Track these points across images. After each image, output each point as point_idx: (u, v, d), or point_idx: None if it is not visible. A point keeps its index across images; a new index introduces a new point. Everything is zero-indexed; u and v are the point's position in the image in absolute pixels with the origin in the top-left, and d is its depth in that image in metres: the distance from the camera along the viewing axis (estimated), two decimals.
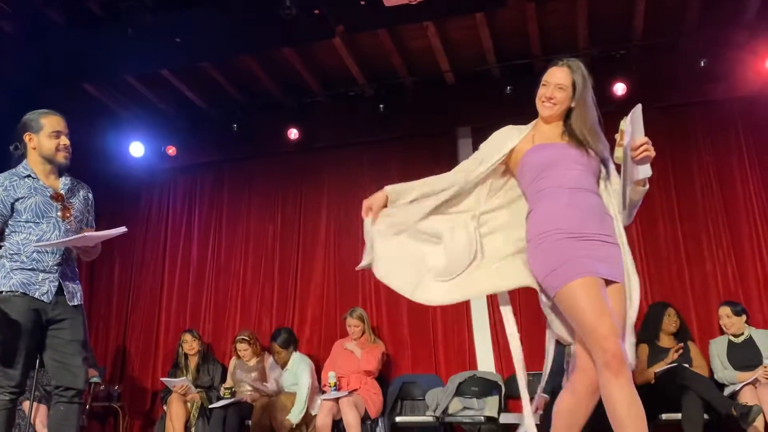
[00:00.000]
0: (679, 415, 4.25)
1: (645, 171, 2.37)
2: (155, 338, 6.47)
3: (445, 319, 5.77)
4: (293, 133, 6.22)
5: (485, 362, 5.53)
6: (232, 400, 5.18)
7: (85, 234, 2.97)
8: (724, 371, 4.60)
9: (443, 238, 2.59)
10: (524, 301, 4.67)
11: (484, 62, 5.72)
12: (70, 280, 3.05)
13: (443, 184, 2.61)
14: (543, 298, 2.47)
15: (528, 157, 2.50)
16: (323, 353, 5.70)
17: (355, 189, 6.27)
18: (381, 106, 5.98)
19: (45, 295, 2.93)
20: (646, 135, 2.34)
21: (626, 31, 5.29)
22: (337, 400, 4.94)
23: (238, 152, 6.60)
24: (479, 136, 6.01)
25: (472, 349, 5.63)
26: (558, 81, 2.51)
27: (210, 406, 5.25)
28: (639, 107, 2.34)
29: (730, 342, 4.71)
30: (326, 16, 4.79)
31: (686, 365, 4.56)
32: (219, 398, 5.33)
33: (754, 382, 4.35)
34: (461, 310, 5.72)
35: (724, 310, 4.76)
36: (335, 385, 5.05)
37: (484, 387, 5.16)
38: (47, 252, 2.97)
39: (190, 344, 5.66)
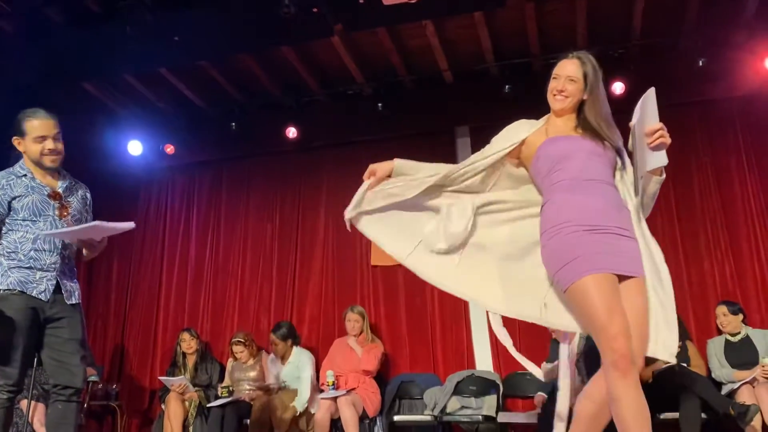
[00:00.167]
0: (677, 415, 4.26)
1: (660, 159, 2.29)
2: (153, 337, 6.47)
3: (443, 318, 5.77)
4: (292, 132, 6.22)
5: (483, 361, 5.53)
6: (230, 398, 5.18)
7: (96, 223, 2.93)
8: (721, 369, 4.61)
9: (440, 211, 2.58)
10: None
11: (482, 61, 5.72)
12: (68, 279, 3.05)
13: (453, 168, 2.58)
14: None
15: (542, 149, 2.46)
16: (321, 352, 5.70)
17: (354, 188, 6.15)
18: (380, 104, 5.98)
19: (42, 294, 2.93)
20: None
21: (625, 30, 5.29)
22: (335, 399, 4.94)
23: (236, 151, 6.59)
24: (478, 135, 6.06)
25: (470, 349, 5.63)
26: (569, 73, 2.48)
27: (208, 405, 5.25)
28: (652, 91, 2.29)
29: (727, 341, 4.72)
30: (325, 14, 4.79)
31: (684, 365, 4.57)
32: (217, 397, 5.34)
33: (751, 382, 4.36)
34: (459, 310, 5.73)
35: (721, 309, 4.78)
36: (333, 384, 5.06)
37: (483, 386, 5.16)
38: (44, 250, 2.97)
39: (188, 343, 5.66)
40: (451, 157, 5.43)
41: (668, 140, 2.27)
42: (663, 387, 4.34)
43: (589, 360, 4.43)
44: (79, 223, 3.12)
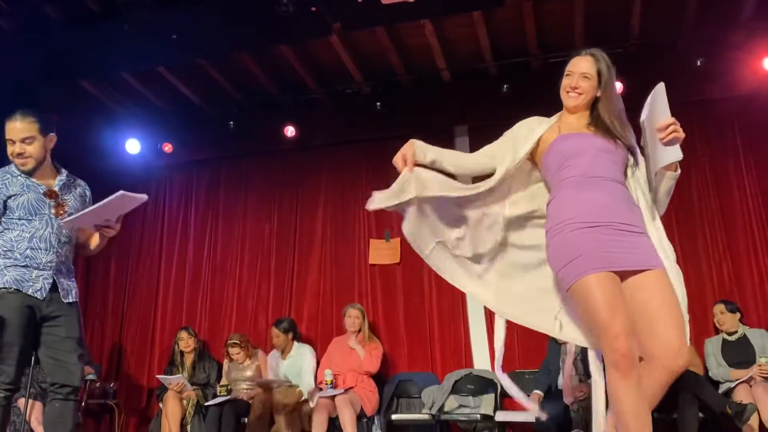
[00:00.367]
0: (674, 414, 4.27)
1: (674, 154, 2.26)
2: (151, 335, 6.46)
3: (441, 317, 5.78)
4: (290, 131, 6.22)
5: (481, 360, 5.54)
6: (228, 397, 5.18)
7: (121, 193, 2.86)
8: (718, 368, 4.62)
9: (469, 222, 2.53)
10: None
11: (481, 61, 5.72)
12: (65, 277, 3.05)
13: (473, 166, 2.55)
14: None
15: (553, 146, 2.44)
16: (319, 351, 5.70)
17: (352, 187, 6.27)
18: (378, 104, 5.98)
19: (39, 292, 2.93)
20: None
21: (623, 30, 5.30)
22: (333, 397, 4.94)
23: (234, 150, 6.59)
24: (476, 134, 6.08)
25: (469, 347, 5.63)
26: (583, 70, 2.45)
27: (206, 404, 5.25)
28: (661, 86, 2.26)
29: (724, 340, 4.73)
30: (323, 13, 4.79)
31: None
32: (215, 396, 5.34)
33: (748, 381, 4.37)
34: (457, 309, 5.73)
35: (719, 308, 4.80)
36: (331, 383, 5.06)
37: (480, 385, 5.16)
38: (40, 249, 2.97)
39: (186, 342, 5.66)
40: None
41: (681, 134, 2.24)
42: None
43: (586, 360, 4.44)
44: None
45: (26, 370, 4.17)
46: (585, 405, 4.31)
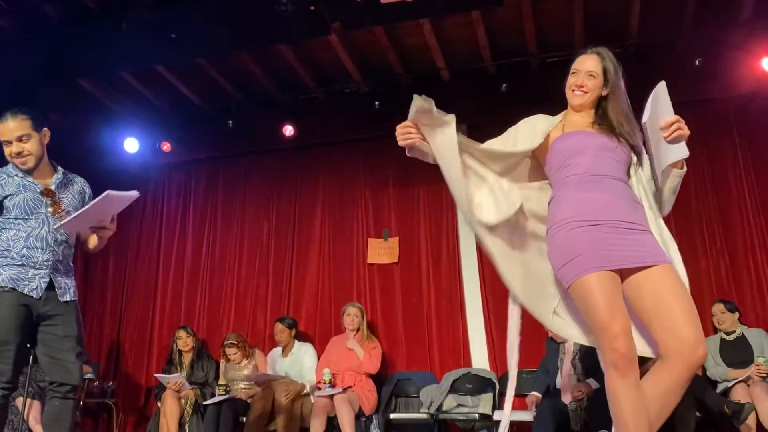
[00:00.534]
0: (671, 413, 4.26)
1: (680, 152, 2.25)
2: (149, 334, 6.46)
3: (439, 316, 5.78)
4: (288, 130, 6.22)
5: (480, 359, 5.54)
6: (226, 396, 5.18)
7: (108, 193, 2.85)
8: (716, 368, 4.63)
9: (487, 180, 2.50)
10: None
11: (480, 60, 5.71)
12: (63, 276, 3.05)
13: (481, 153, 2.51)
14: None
15: (556, 144, 2.44)
16: (318, 350, 5.70)
17: (350, 186, 6.28)
18: (377, 103, 5.97)
19: (34, 291, 2.92)
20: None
21: (622, 29, 5.30)
22: (331, 397, 4.94)
23: (233, 149, 6.59)
24: (475, 133, 6.01)
25: (467, 347, 5.64)
26: (589, 69, 2.45)
27: (204, 403, 5.24)
28: (663, 84, 2.25)
29: (722, 340, 4.74)
30: (322, 12, 4.78)
31: None
32: (213, 395, 5.34)
33: (746, 380, 4.38)
34: (456, 308, 5.74)
35: (718, 307, 4.80)
36: (330, 382, 5.06)
37: (479, 384, 5.17)
38: (37, 248, 2.97)
39: (184, 341, 5.66)
40: None
41: (686, 132, 2.22)
42: None
43: (585, 359, 4.45)
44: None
45: (24, 369, 4.17)
46: (583, 404, 4.32)
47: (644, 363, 2.28)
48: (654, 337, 2.23)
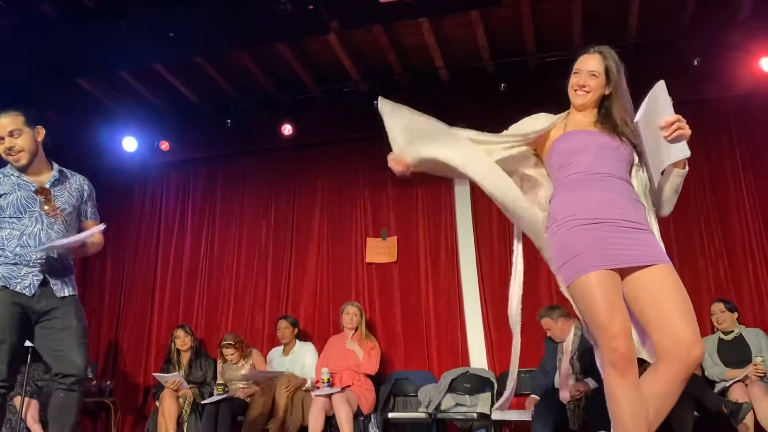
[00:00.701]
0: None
1: (682, 151, 2.23)
2: (147, 333, 6.46)
3: (438, 315, 5.78)
4: (287, 129, 6.22)
5: (478, 359, 5.54)
6: (224, 395, 5.18)
7: (48, 245, 2.95)
8: (714, 368, 4.63)
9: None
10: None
11: (478, 60, 5.72)
12: (59, 273, 3.04)
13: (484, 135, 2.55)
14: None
15: (557, 143, 2.44)
16: (317, 350, 5.70)
17: (349, 185, 6.28)
18: (375, 102, 5.94)
19: (27, 289, 2.93)
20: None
21: (621, 29, 5.30)
22: (329, 396, 4.94)
23: (231, 148, 6.59)
24: None
25: (465, 346, 5.64)
26: (591, 68, 2.44)
27: (202, 402, 5.24)
28: (662, 83, 2.24)
29: (720, 340, 4.74)
30: (320, 11, 4.78)
31: None
32: (211, 394, 5.33)
33: (744, 380, 4.38)
34: (454, 307, 5.74)
35: (718, 306, 4.80)
36: (328, 381, 5.06)
37: (477, 383, 5.17)
38: (29, 246, 2.98)
39: (182, 340, 5.65)
40: None
41: (687, 131, 2.21)
42: None
43: (583, 358, 4.45)
44: (71, 216, 3.13)
45: (22, 369, 4.17)
46: (581, 404, 4.32)
47: (642, 363, 2.27)
48: (651, 336, 2.23)
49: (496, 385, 5.14)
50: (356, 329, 5.42)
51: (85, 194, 3.22)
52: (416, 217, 6.05)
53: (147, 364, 6.34)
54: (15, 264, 2.94)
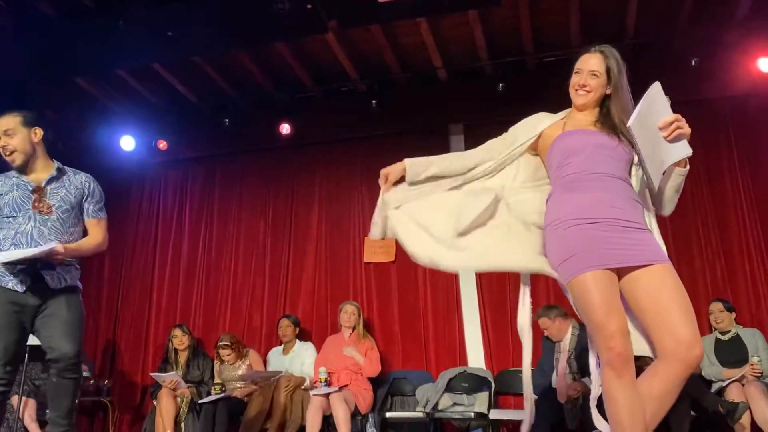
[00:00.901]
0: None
1: (683, 150, 2.23)
2: (145, 333, 6.46)
3: (435, 315, 5.78)
4: (285, 129, 6.22)
5: (475, 358, 5.55)
6: (222, 395, 5.18)
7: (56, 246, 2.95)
8: (710, 367, 4.64)
9: (461, 204, 2.50)
10: (514, 300, 4.68)
11: (477, 59, 5.72)
12: (54, 268, 3.05)
13: (468, 163, 2.54)
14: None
15: (555, 143, 2.43)
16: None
17: (347, 185, 6.28)
18: (373, 102, 5.98)
19: (18, 286, 2.96)
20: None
21: (618, 29, 5.30)
22: (327, 395, 4.94)
23: (229, 147, 6.58)
24: (471, 133, 6.06)
25: (463, 346, 5.64)
26: (592, 68, 2.43)
27: (200, 401, 5.24)
28: (657, 84, 2.23)
29: (717, 339, 4.75)
30: (319, 11, 4.78)
31: None
32: (209, 393, 5.33)
33: (741, 380, 4.39)
34: (452, 307, 5.74)
35: (717, 306, 4.81)
36: (326, 381, 5.06)
37: (475, 383, 5.17)
38: (22, 244, 3.01)
39: (180, 339, 5.65)
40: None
41: (687, 130, 2.21)
42: None
43: (581, 358, 4.46)
44: (67, 213, 3.15)
45: (20, 367, 4.16)
46: (579, 403, 4.32)
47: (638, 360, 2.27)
48: (651, 336, 2.23)
49: (493, 385, 5.15)
50: (354, 328, 5.42)
51: (87, 192, 3.23)
52: None
53: (145, 363, 6.34)
54: (9, 262, 2.95)
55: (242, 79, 6.08)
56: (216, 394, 5.21)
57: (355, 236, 6.17)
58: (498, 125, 2.63)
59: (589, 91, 2.44)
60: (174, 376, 5.34)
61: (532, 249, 2.43)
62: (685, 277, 5.38)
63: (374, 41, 5.44)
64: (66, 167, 3.24)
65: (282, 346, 5.66)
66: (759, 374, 4.37)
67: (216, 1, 4.94)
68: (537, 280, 5.29)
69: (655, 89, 2.24)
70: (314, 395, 4.98)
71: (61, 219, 3.10)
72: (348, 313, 5.43)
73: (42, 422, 5.00)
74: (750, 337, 4.68)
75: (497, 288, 5.61)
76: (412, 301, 5.87)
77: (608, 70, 2.43)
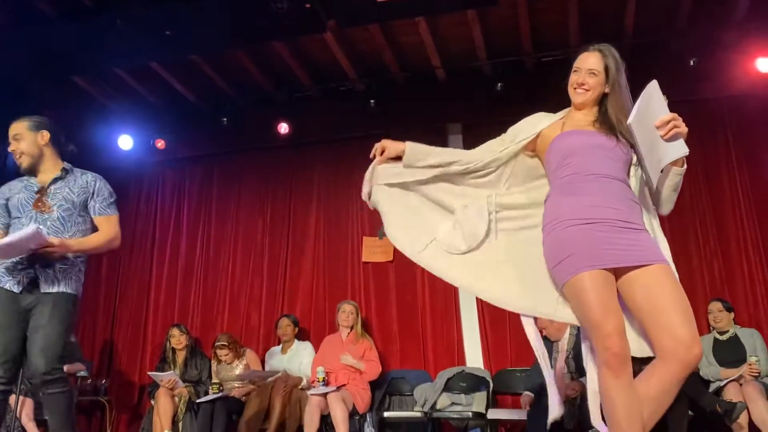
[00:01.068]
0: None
1: (680, 149, 2.22)
2: (143, 332, 6.45)
3: (434, 314, 5.78)
4: (283, 128, 6.21)
5: (474, 358, 5.55)
6: (220, 394, 5.18)
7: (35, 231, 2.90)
8: (709, 367, 4.65)
9: (455, 212, 2.55)
10: None
11: (475, 59, 5.72)
12: (52, 269, 3.04)
13: (466, 160, 2.55)
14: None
15: (554, 143, 2.43)
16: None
17: (345, 184, 6.27)
18: (372, 101, 5.98)
19: (15, 286, 2.98)
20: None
21: (617, 29, 5.30)
22: (325, 395, 4.94)
23: (227, 146, 6.58)
24: (470, 132, 6.06)
25: (461, 345, 5.64)
26: (590, 66, 2.42)
27: (198, 401, 5.23)
28: (655, 83, 2.23)
29: (715, 339, 4.76)
30: (317, 10, 4.77)
31: None
32: (206, 393, 5.33)
33: (738, 379, 4.39)
34: (450, 307, 5.74)
35: (716, 305, 4.81)
36: (324, 380, 5.06)
37: (473, 383, 5.17)
38: None
39: (177, 339, 5.64)
40: None
41: (684, 129, 2.21)
42: None
43: (579, 358, 4.46)
44: (69, 212, 3.16)
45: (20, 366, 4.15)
46: (577, 403, 4.32)
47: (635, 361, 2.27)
48: (649, 336, 2.23)
49: (491, 384, 5.15)
50: (352, 328, 5.42)
51: (92, 191, 3.26)
52: None
53: (142, 362, 6.33)
54: (11, 262, 2.99)
55: (241, 79, 6.07)
56: (214, 393, 5.21)
57: (354, 236, 6.16)
58: (496, 125, 2.63)
59: (587, 90, 2.44)
60: (172, 375, 5.33)
61: (522, 289, 2.47)
62: (682, 277, 5.38)
63: (373, 41, 5.44)
64: (75, 168, 3.29)
65: (280, 345, 5.66)
66: (757, 374, 4.37)
67: (214, 1, 4.94)
68: None
69: (653, 87, 2.24)
70: (312, 395, 4.97)
71: (62, 218, 3.11)
72: (346, 313, 5.43)
73: (39, 421, 4.99)
74: (748, 337, 4.68)
75: None
76: (410, 301, 5.87)
77: (607, 69, 2.42)
